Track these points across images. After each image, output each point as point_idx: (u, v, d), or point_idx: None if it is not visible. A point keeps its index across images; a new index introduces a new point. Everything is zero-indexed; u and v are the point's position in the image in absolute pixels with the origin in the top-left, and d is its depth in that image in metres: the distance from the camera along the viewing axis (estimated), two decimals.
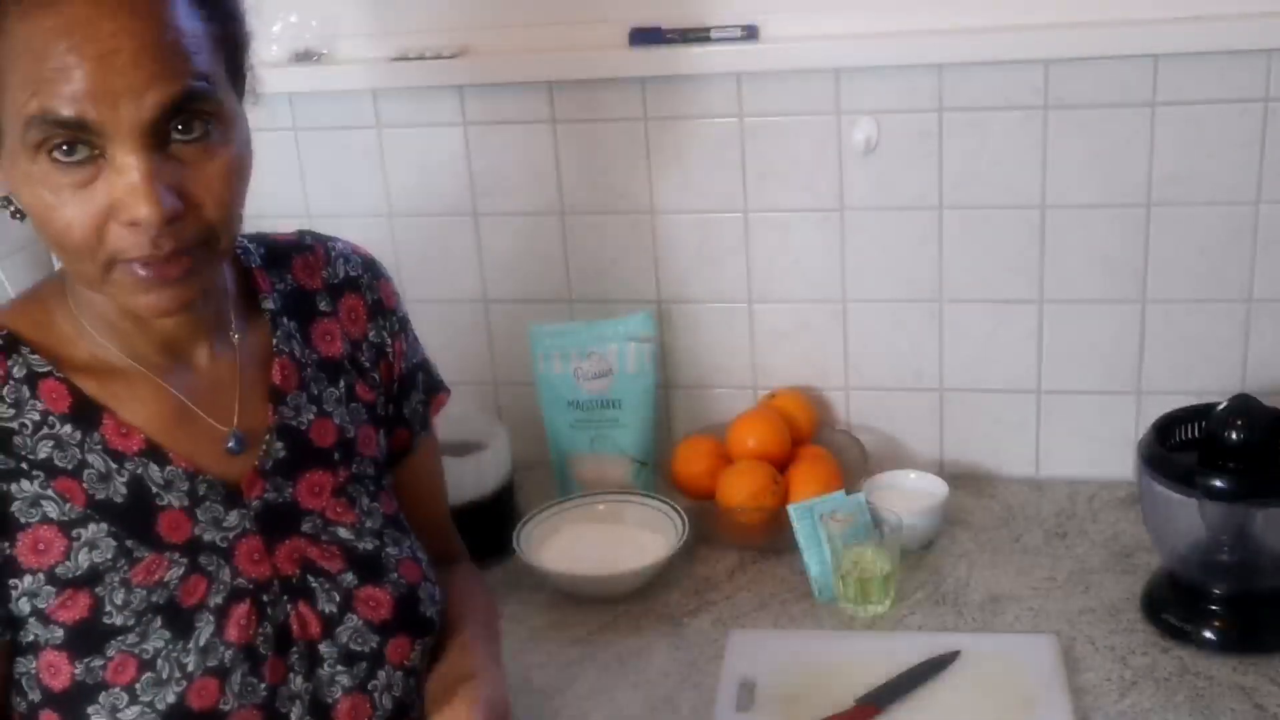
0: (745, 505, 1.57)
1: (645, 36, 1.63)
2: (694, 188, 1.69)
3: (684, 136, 1.66)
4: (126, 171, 0.85)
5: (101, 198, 0.86)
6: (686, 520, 1.56)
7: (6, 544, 0.93)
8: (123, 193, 0.85)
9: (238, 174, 0.91)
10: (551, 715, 1.32)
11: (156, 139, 0.86)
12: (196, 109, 0.87)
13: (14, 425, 0.94)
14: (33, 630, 0.93)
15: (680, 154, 1.67)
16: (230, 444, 1.00)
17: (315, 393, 1.07)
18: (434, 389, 1.20)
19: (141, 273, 0.88)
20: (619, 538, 1.59)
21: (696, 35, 1.62)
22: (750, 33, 1.61)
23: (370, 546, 1.05)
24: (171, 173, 0.87)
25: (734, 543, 1.60)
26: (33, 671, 0.94)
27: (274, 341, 1.05)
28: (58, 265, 1.61)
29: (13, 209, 0.93)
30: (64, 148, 0.84)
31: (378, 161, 1.76)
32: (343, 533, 1.04)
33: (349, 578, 1.03)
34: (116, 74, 0.83)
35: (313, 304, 1.09)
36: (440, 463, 1.25)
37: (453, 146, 1.73)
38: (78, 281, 0.94)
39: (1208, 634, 1.34)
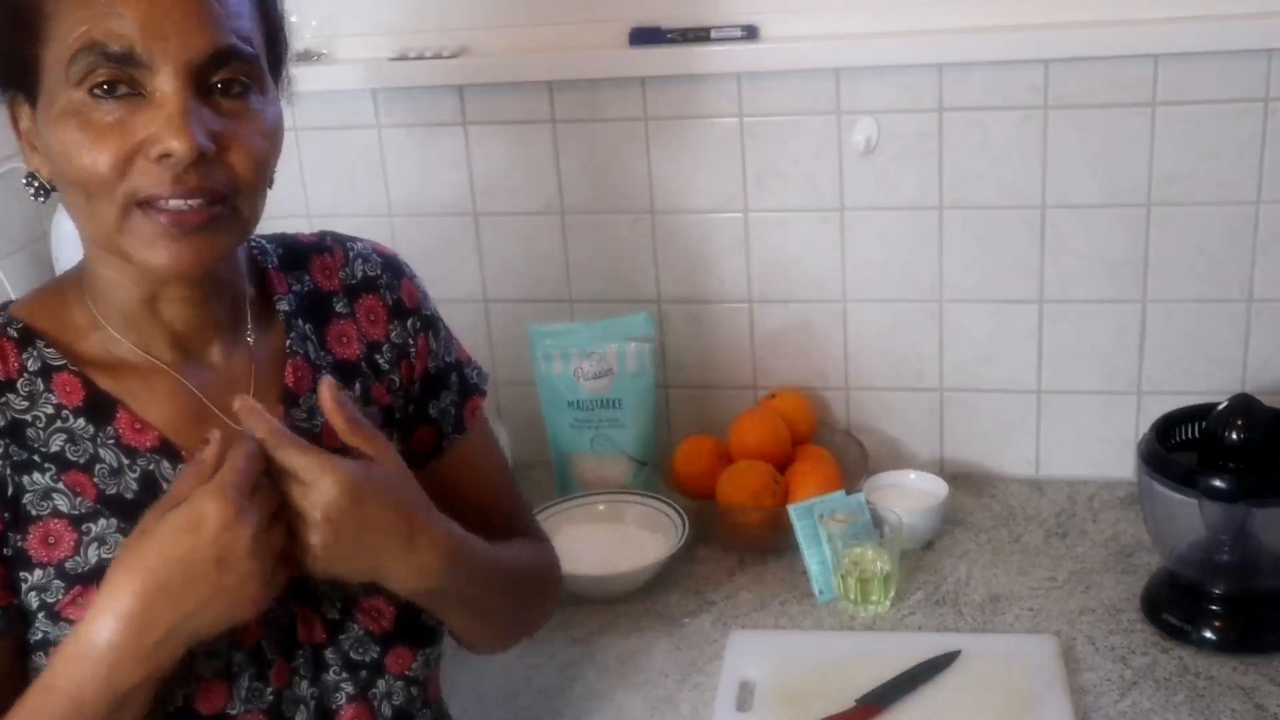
0: (745, 505, 1.56)
1: (645, 36, 1.64)
2: (694, 188, 1.69)
3: (684, 136, 1.66)
4: (165, 104, 0.86)
5: (137, 132, 0.87)
6: (686, 520, 1.56)
7: (19, 537, 0.92)
8: (159, 125, 0.86)
9: (271, 140, 0.93)
10: (551, 715, 1.32)
11: (199, 82, 0.88)
12: (239, 70, 0.90)
13: (28, 418, 0.93)
14: (41, 628, 0.93)
15: (680, 154, 1.67)
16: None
17: None
18: (469, 391, 1.17)
19: (161, 219, 0.88)
20: (619, 538, 1.59)
21: (696, 35, 1.62)
22: (750, 33, 1.61)
23: None
24: (209, 118, 0.88)
25: (734, 543, 1.60)
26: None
27: (288, 343, 1.05)
28: (59, 266, 1.61)
29: (36, 186, 0.95)
30: (105, 85, 0.86)
31: (378, 161, 1.76)
32: None
33: (353, 584, 1.02)
34: (168, 12, 0.86)
35: (329, 306, 1.08)
36: (491, 465, 1.21)
37: (453, 146, 1.73)
38: (95, 240, 0.94)
39: (1208, 634, 1.34)
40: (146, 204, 0.88)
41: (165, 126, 0.86)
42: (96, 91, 0.86)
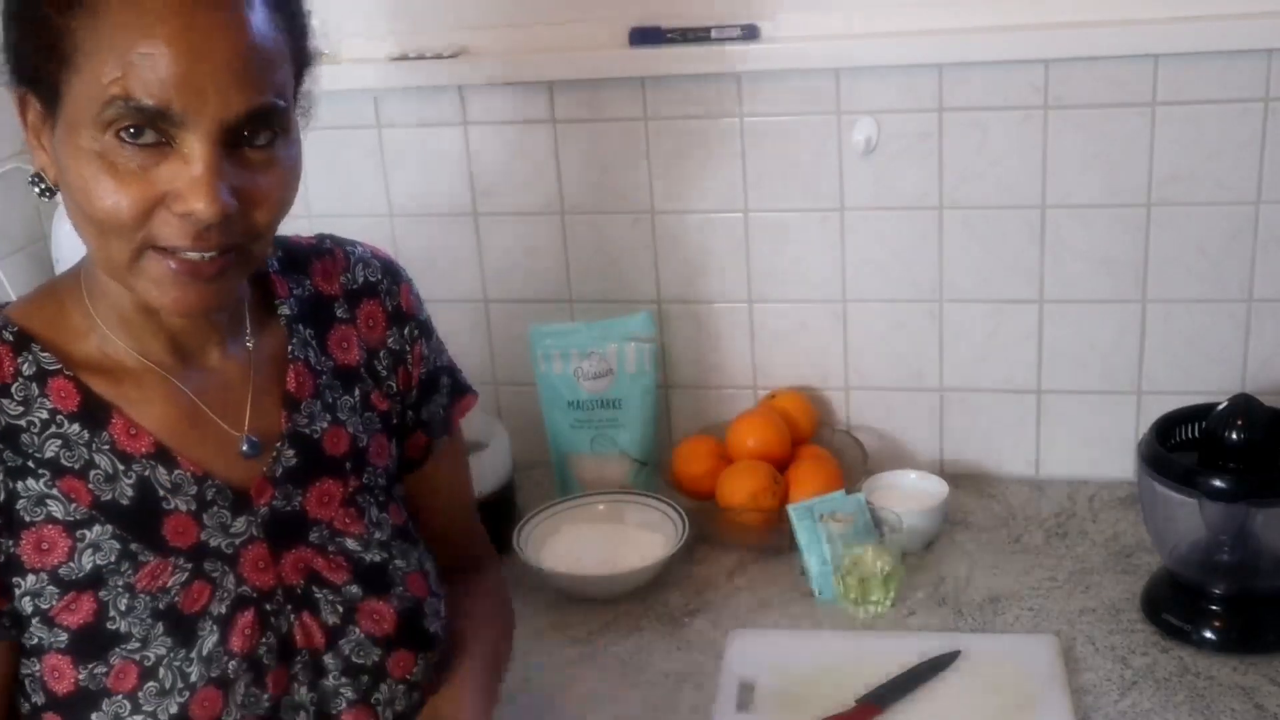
0: (745, 505, 1.56)
1: (645, 36, 1.63)
2: (694, 188, 1.69)
3: (684, 136, 1.66)
4: (193, 163, 0.85)
5: (160, 184, 0.86)
6: (686, 520, 1.56)
7: (10, 542, 0.92)
8: (184, 184, 0.86)
9: (291, 186, 0.93)
10: (552, 716, 1.32)
11: (229, 138, 0.87)
12: (271, 123, 0.89)
13: (22, 423, 0.93)
14: (36, 633, 0.93)
15: (680, 154, 1.67)
16: (244, 448, 1.00)
17: (330, 401, 1.06)
18: (459, 392, 1.18)
19: (174, 265, 0.88)
20: (619, 538, 1.59)
21: (696, 35, 1.62)
22: (750, 33, 1.61)
23: (377, 558, 1.04)
24: (233, 174, 0.88)
25: (734, 543, 1.60)
26: (36, 674, 0.93)
27: (289, 348, 1.04)
28: (59, 266, 1.61)
29: (42, 186, 0.94)
30: (132, 130, 0.85)
31: (378, 161, 1.76)
32: (350, 543, 1.03)
33: (353, 589, 1.02)
34: (207, 71, 0.84)
35: (330, 310, 1.08)
36: (464, 466, 1.23)
37: (453, 146, 1.73)
38: (102, 268, 0.93)
39: (1208, 634, 1.34)
40: (162, 250, 0.88)
41: (192, 188, 0.85)
42: (123, 135, 0.85)
